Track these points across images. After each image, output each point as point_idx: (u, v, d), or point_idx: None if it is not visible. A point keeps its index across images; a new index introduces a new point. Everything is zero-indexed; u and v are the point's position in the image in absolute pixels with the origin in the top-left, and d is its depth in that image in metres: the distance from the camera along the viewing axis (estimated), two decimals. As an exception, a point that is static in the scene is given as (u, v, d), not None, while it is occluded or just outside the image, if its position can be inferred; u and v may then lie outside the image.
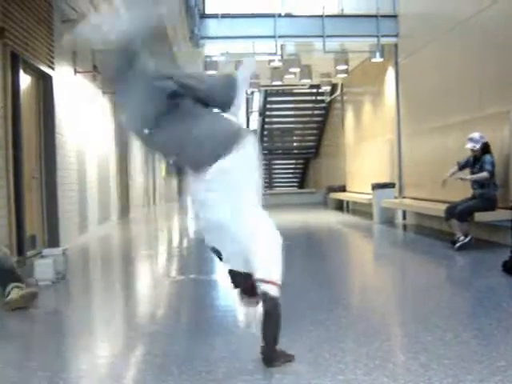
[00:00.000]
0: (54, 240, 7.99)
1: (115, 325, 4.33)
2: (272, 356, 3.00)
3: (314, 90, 18.58)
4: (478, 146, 7.08)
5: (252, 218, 2.95)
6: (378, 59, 11.81)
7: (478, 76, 8.03)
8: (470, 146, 7.13)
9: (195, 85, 2.94)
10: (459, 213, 7.09)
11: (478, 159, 7.13)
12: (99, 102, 11.41)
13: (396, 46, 11.51)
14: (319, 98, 18.87)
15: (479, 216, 7.05)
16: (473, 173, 7.17)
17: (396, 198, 11.08)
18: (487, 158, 7.03)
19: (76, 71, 9.49)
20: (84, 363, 3.35)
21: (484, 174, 6.98)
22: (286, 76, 14.04)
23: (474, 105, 8.06)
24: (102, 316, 4.72)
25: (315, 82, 15.92)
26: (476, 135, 7.12)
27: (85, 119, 10.05)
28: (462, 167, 7.35)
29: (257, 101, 22.74)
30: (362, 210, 12.56)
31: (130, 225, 13.20)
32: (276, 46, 11.80)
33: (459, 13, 8.56)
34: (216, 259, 3.35)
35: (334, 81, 16.31)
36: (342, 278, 6.22)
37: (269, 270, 2.94)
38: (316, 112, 19.53)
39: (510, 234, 6.06)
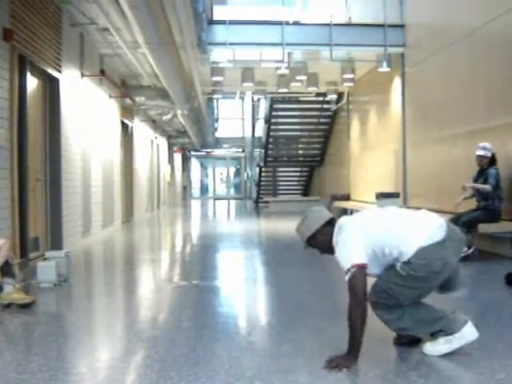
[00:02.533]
0: (56, 242, 8.01)
1: (116, 328, 4.33)
2: None
3: (321, 99, 18.57)
4: (489, 154, 7.06)
5: None
6: (384, 69, 11.82)
7: (484, 87, 8.03)
8: (482, 152, 7.10)
9: None
10: (463, 224, 7.07)
11: (483, 171, 7.12)
12: (105, 105, 11.45)
13: (403, 55, 11.52)
14: (325, 106, 18.86)
15: (483, 227, 7.03)
16: (477, 185, 7.15)
17: (400, 207, 11.05)
18: (492, 171, 7.02)
19: (83, 74, 9.53)
20: (84, 366, 3.35)
21: (487, 187, 6.97)
22: (293, 84, 14.06)
23: (481, 116, 8.05)
24: (104, 319, 4.72)
25: (321, 90, 15.95)
26: (488, 144, 7.11)
27: (91, 123, 10.08)
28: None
29: (263, 108, 22.78)
30: (365, 219, 12.53)
31: (134, 229, 13.20)
32: (283, 53, 11.84)
33: (466, 23, 8.56)
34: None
35: (340, 89, 16.35)
36: (343, 286, 6.18)
37: None
38: (322, 120, 19.53)
39: (513, 246, 6.05)
